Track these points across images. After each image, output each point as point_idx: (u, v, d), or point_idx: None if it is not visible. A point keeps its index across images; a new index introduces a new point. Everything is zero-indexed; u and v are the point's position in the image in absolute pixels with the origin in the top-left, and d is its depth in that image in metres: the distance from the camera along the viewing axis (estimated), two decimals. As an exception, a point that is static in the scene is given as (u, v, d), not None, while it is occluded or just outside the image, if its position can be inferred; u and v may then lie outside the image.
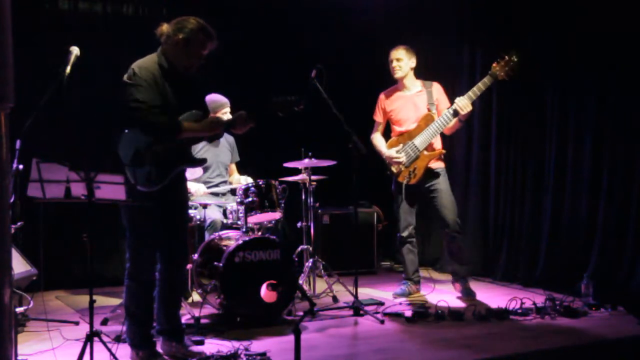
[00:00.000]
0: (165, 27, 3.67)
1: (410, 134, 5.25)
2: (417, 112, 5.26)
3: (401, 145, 5.29)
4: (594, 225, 5.31)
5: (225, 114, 5.29)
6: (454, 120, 5.10)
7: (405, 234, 5.41)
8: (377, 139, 5.49)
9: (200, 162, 3.87)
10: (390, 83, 5.51)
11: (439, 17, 6.59)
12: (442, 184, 5.27)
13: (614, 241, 5.18)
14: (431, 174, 5.26)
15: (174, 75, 3.64)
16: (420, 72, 5.46)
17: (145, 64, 3.60)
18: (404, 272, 5.54)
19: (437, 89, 5.32)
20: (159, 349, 3.78)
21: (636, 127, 5.07)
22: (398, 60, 5.28)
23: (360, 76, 7.01)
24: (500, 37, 5.97)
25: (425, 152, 5.19)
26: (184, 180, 3.86)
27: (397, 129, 5.38)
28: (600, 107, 5.30)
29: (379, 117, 5.49)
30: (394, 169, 5.33)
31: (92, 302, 3.23)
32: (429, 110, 5.21)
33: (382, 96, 5.47)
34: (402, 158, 5.24)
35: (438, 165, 5.30)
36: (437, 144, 5.30)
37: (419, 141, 5.19)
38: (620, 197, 5.16)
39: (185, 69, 3.67)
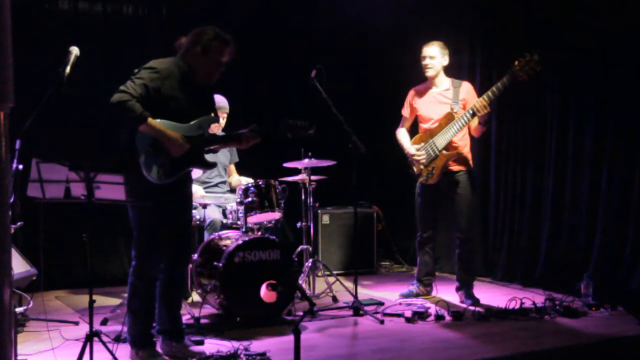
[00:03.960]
0: (183, 40, 3.77)
1: (432, 132, 5.09)
2: (441, 111, 5.07)
3: (423, 143, 5.14)
4: (594, 225, 5.31)
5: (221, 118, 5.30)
6: (474, 121, 4.93)
7: (425, 234, 5.30)
8: (402, 134, 5.33)
9: (211, 166, 3.95)
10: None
11: (439, 16, 6.59)
12: (463, 189, 5.08)
13: (614, 241, 5.18)
14: (450, 175, 5.09)
15: (192, 81, 3.72)
16: (420, 72, 5.44)
17: (166, 61, 3.69)
18: (416, 272, 5.44)
19: (465, 88, 5.09)
20: (158, 349, 3.78)
21: (636, 127, 5.07)
22: (431, 57, 5.08)
23: (359, 76, 7.02)
24: (500, 37, 5.97)
25: (445, 152, 5.02)
26: (190, 180, 3.91)
27: (422, 126, 5.24)
28: (600, 107, 5.30)
29: (406, 112, 5.33)
30: (414, 169, 5.21)
31: (91, 302, 3.24)
32: (451, 109, 5.02)
33: (411, 91, 5.31)
34: (422, 157, 5.11)
35: (459, 167, 5.09)
36: (464, 146, 5.11)
37: (439, 140, 5.03)
38: (620, 197, 5.16)
39: (206, 79, 3.76)
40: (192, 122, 3.70)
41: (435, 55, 5.08)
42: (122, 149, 3.62)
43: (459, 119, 4.94)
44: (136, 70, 3.60)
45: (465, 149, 5.13)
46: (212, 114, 3.86)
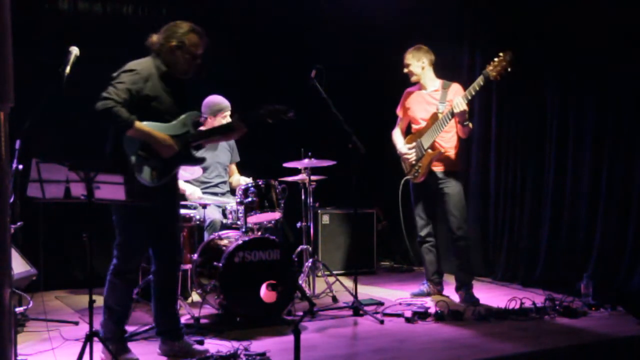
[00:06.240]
0: (155, 38, 3.72)
1: (420, 132, 5.21)
2: (429, 111, 5.18)
3: (413, 143, 5.26)
4: (594, 226, 5.31)
5: (225, 118, 5.29)
6: (453, 120, 5.01)
7: (422, 233, 5.37)
8: (396, 134, 5.46)
9: (200, 161, 3.91)
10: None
11: (438, 17, 6.59)
12: (451, 188, 5.16)
13: (614, 241, 5.18)
14: (436, 175, 5.18)
15: (171, 79, 3.70)
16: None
17: (144, 62, 3.68)
18: (425, 272, 5.48)
19: (454, 89, 5.16)
20: (158, 349, 3.79)
21: (636, 127, 5.07)
22: (406, 65, 5.23)
23: (359, 76, 7.01)
24: (500, 38, 5.97)
25: (429, 151, 5.13)
26: (176, 180, 3.90)
27: (413, 126, 5.36)
28: (600, 107, 5.30)
29: (400, 112, 5.45)
30: (404, 167, 5.34)
31: (91, 302, 3.24)
32: (437, 109, 5.11)
33: (405, 92, 5.43)
34: (412, 156, 5.23)
35: (443, 168, 5.17)
36: (451, 147, 5.17)
37: (424, 140, 5.15)
38: (620, 197, 5.16)
39: (183, 73, 3.73)
40: (176, 121, 3.69)
41: (409, 62, 5.23)
42: (109, 156, 3.61)
43: (442, 119, 5.03)
44: (115, 74, 3.56)
45: (451, 150, 5.20)
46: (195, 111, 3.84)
